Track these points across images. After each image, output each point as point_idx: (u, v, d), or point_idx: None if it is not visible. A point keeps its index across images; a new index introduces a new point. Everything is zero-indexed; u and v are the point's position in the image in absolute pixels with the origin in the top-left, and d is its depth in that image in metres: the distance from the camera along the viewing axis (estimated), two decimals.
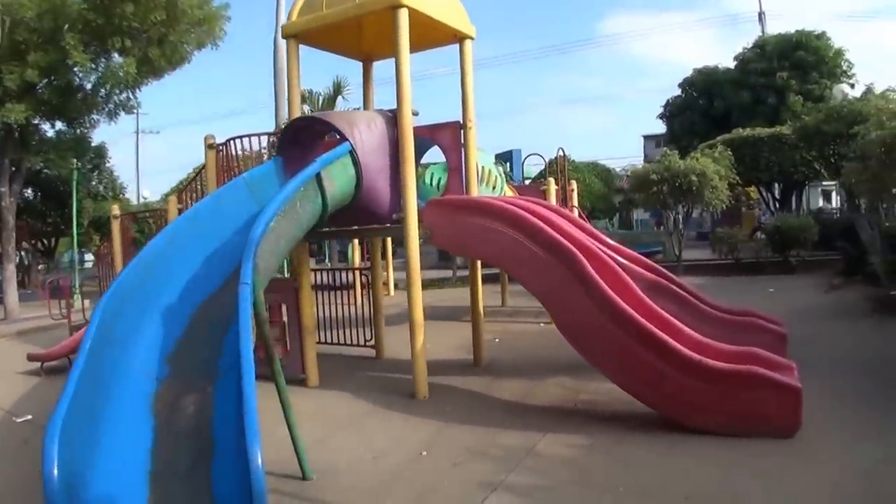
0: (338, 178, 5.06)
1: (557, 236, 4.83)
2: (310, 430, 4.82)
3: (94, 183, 21.61)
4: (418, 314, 5.50)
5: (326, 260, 19.47)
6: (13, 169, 13.26)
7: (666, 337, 4.17)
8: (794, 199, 20.19)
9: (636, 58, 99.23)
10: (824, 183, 23.10)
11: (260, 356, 6.62)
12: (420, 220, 5.54)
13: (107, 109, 15.06)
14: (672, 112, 28.61)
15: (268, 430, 4.89)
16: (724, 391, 4.03)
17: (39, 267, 21.99)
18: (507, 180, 10.07)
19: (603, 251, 5.46)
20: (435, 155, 7.28)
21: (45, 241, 22.50)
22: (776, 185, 19.26)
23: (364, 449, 4.33)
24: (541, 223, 4.92)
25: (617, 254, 6.00)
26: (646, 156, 34.42)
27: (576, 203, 11.57)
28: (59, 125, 14.46)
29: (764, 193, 20.13)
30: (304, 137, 5.76)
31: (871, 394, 4.81)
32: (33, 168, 13.92)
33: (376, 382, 6.30)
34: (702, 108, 26.48)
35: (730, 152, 14.39)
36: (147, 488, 2.93)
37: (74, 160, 16.09)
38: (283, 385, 3.84)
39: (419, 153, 7.35)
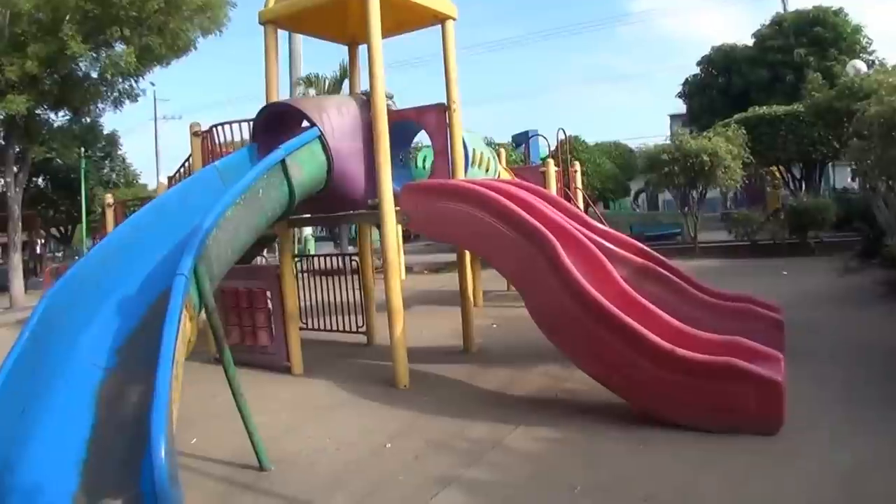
0: (306, 165, 4.93)
1: (530, 219, 4.63)
2: (282, 419, 4.78)
3: (105, 171, 21.88)
4: (397, 301, 5.37)
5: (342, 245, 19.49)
6: (19, 159, 13.46)
7: (635, 324, 3.94)
8: (817, 178, 19.55)
9: (666, 35, 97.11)
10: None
11: (243, 343, 6.68)
12: (397, 205, 5.40)
13: (111, 98, 15.18)
14: (691, 91, 27.91)
15: (232, 416, 4.87)
16: (700, 384, 3.77)
17: (58, 254, 22.43)
18: (515, 162, 9.85)
19: (586, 235, 5.26)
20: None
21: (62, 229, 22.92)
22: (797, 164, 18.65)
23: (330, 439, 4.24)
24: (513, 206, 4.73)
25: (604, 238, 5.76)
26: (671, 135, 33.71)
27: (580, 185, 11.29)
28: (63, 115, 14.63)
29: (784, 173, 19.53)
30: (280, 124, 5.63)
31: (867, 387, 4.51)
32: (37, 158, 14.01)
33: (361, 370, 6.22)
34: (720, 86, 25.78)
35: (744, 131, 13.90)
36: (78, 477, 2.87)
37: (82, 149, 16.28)
38: (233, 375, 3.75)
39: (407, 137, 7.19)
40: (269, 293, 6.42)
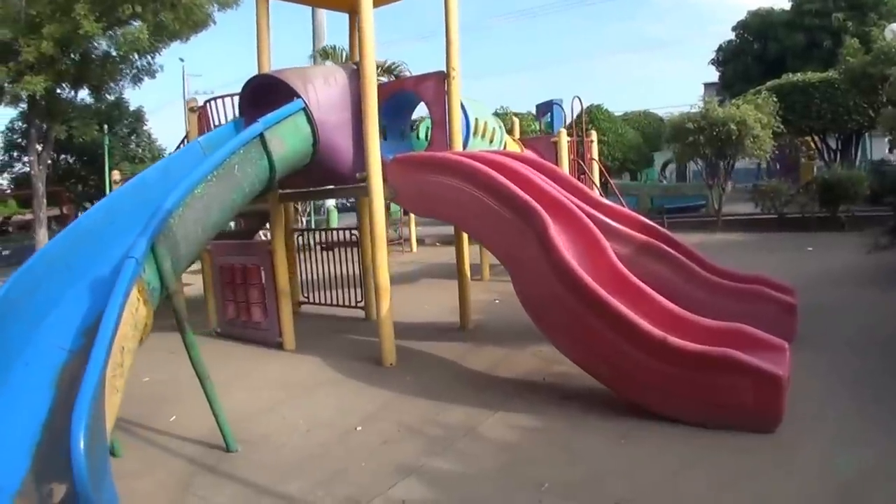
0: (288, 138, 4.78)
1: (520, 193, 4.39)
2: (263, 398, 4.73)
3: (132, 146, 22.19)
4: (384, 278, 5.23)
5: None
6: (42, 137, 13.66)
7: (626, 311, 3.67)
8: (853, 149, 18.59)
9: (703, 1, 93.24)
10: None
11: (238, 318, 6.65)
12: (385, 179, 5.22)
13: (130, 75, 15.26)
14: (725, 57, 26.75)
15: (223, 394, 4.91)
16: (694, 376, 3.49)
17: None
18: (534, 132, 9.45)
19: (584, 211, 5.00)
20: None
21: (93, 203, 23.50)
22: (832, 134, 17.72)
23: (304, 420, 4.16)
24: (503, 179, 4.50)
25: (606, 213, 5.49)
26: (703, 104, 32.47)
27: (595, 156, 10.89)
28: (84, 94, 14.76)
29: (819, 143, 18.61)
30: (269, 97, 5.47)
31: (884, 380, 4.11)
32: (59, 136, 14.21)
33: (353, 346, 6.13)
34: (755, 52, 24.61)
35: (775, 98, 13.17)
36: (29, 461, 2.83)
37: (105, 126, 16.44)
38: (197, 357, 3.69)
39: (407, 108, 6.98)
40: (262, 269, 6.35)
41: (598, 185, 10.59)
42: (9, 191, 21.81)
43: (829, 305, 6.09)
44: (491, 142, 7.91)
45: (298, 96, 4.91)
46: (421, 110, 7.53)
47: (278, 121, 4.68)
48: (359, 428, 3.93)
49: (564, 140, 9.12)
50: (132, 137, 22.52)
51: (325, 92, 5.05)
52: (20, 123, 17.37)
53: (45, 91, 12.17)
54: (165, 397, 4.89)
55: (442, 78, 5.87)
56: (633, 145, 15.18)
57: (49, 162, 15.10)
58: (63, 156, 21.44)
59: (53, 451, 2.90)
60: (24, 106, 12.95)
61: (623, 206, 11.43)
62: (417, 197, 5.07)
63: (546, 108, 18.87)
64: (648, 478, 3.02)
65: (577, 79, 79.37)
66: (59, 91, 13.75)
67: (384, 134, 6.79)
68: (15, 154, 21.22)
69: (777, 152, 17.95)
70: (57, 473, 2.83)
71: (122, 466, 3.74)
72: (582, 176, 10.13)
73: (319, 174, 5.33)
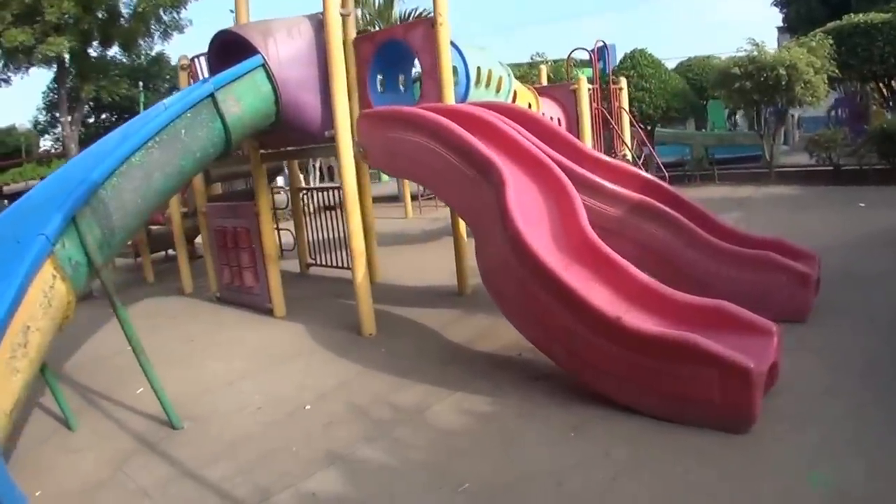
0: (246, 97, 4.48)
1: (483, 150, 3.96)
2: (232, 370, 4.63)
3: None
4: (358, 243, 4.95)
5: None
6: (73, 98, 13.90)
7: (574, 286, 3.22)
8: None
9: None
10: None
11: (234, 283, 6.57)
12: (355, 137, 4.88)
13: (159, 30, 15.26)
14: None
15: (198, 364, 4.86)
16: (653, 364, 3.02)
17: None
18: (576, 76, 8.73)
19: (567, 168, 4.52)
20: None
21: None
22: None
23: (260, 396, 4.02)
24: (466, 135, 4.07)
25: (601, 171, 4.98)
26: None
27: (625, 105, 10.11)
28: (113, 52, 14.86)
29: (884, 90, 16.73)
30: (241, 54, 5.15)
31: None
32: (88, 95, 14.41)
33: (344, 313, 5.93)
34: None
35: (831, 41, 11.75)
36: None
37: (141, 83, 16.60)
38: (131, 333, 3.55)
39: (403, 59, 6.52)
40: (251, 232, 6.19)
41: (623, 136, 9.83)
42: (53, 151, 22.57)
43: (862, 274, 5.38)
44: (498, 91, 7.37)
45: (258, 52, 4.57)
46: None
47: (233, 79, 4.38)
48: (308, 407, 3.75)
49: (585, 88, 8.41)
50: (173, 93, 22.82)
51: (288, 46, 4.69)
52: (55, 85, 17.76)
53: (70, 52, 12.28)
54: (135, 368, 4.82)
55: (430, 25, 5.39)
56: (677, 93, 13.96)
57: (82, 122, 15.44)
58: (104, 114, 21.95)
59: None
60: (54, 67, 13.14)
61: (655, 157, 10.82)
62: (385, 155, 4.70)
63: (600, 52, 17.86)
64: (581, 482, 2.65)
65: (638, 25, 74.76)
66: (88, 51, 13.88)
67: (383, 86, 6.42)
68: (57, 115, 21.89)
69: (845, 99, 16.32)
70: None
71: (73, 441, 3.73)
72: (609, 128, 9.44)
73: (286, 134, 5.03)
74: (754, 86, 11.49)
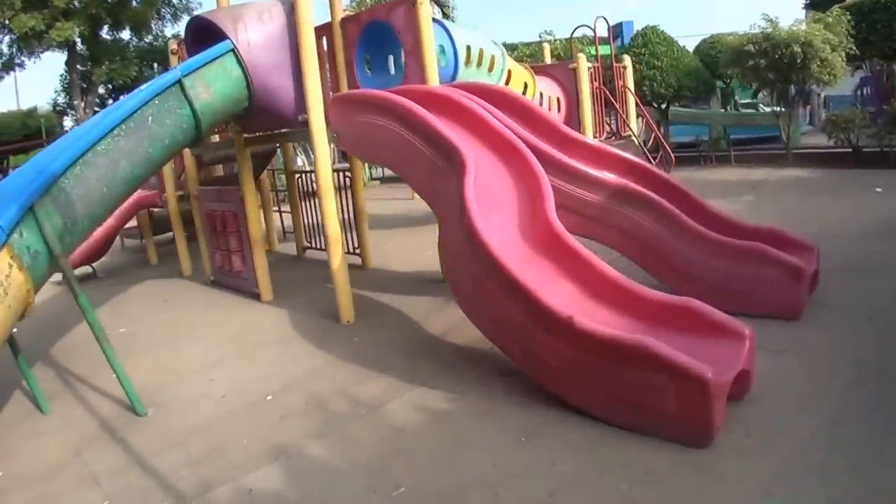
0: (216, 83, 4.42)
1: (446, 134, 3.83)
2: (208, 357, 4.66)
3: None
4: (333, 228, 4.90)
5: None
6: (86, 81, 14.05)
7: (525, 282, 3.08)
8: None
9: None
10: None
11: (225, 268, 6.60)
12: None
13: (170, 13, 15.30)
14: None
15: (177, 350, 4.90)
16: (608, 368, 2.86)
17: None
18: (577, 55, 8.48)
19: (543, 153, 4.37)
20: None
21: None
22: None
23: (227, 384, 4.03)
24: (430, 118, 3.95)
25: (582, 155, 4.81)
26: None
27: (630, 84, 9.81)
28: (125, 35, 14.94)
29: None
30: (212, 38, 5.09)
31: (889, 383, 3.11)
32: (100, 78, 14.54)
33: (328, 299, 5.88)
34: None
35: (849, 17, 11.18)
36: None
37: (155, 65, 16.68)
38: (93, 320, 3.57)
39: (387, 42, 6.40)
40: (237, 216, 6.18)
41: (625, 115, 9.56)
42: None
43: (868, 266, 5.04)
44: (491, 70, 7.21)
45: (227, 37, 4.50)
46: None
47: (201, 65, 4.33)
48: (269, 398, 3.75)
49: (584, 66, 8.17)
50: None
51: (258, 30, 4.61)
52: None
53: (80, 36, 12.37)
54: (129, 349, 4.87)
55: (411, 3, 5.26)
56: (690, 71, 13.46)
57: (99, 104, 15.64)
58: (121, 97, 22.17)
59: None
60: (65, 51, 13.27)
61: (661, 139, 10.51)
62: (356, 141, 4.62)
63: (616, 29, 17.47)
64: (517, 496, 2.52)
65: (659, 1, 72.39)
66: (99, 34, 13.96)
67: (370, 67, 6.31)
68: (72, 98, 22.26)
69: (870, 77, 15.62)
70: None
71: (43, 425, 3.79)
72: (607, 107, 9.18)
73: (260, 119, 4.97)
74: (769, 64, 11.03)
